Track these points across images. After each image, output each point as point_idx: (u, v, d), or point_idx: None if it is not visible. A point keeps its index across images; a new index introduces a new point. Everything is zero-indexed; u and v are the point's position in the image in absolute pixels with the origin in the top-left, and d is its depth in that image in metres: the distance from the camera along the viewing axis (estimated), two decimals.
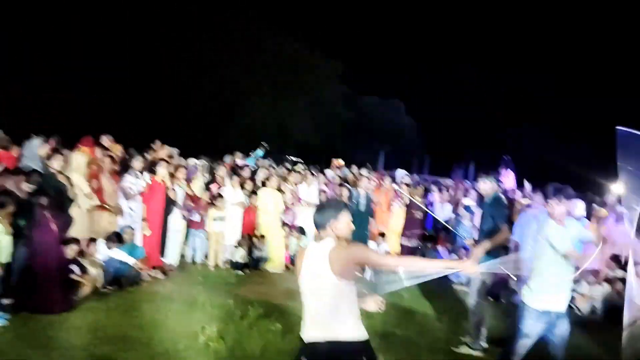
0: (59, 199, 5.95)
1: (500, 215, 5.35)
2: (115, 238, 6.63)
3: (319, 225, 2.95)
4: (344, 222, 2.93)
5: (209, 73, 24.49)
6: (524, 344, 4.24)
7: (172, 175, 7.68)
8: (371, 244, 8.67)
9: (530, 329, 4.19)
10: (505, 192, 9.40)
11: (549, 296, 4.17)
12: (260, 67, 25.19)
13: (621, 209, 7.96)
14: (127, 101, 21.94)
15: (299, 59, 25.51)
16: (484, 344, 5.49)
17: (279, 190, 8.73)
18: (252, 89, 25.00)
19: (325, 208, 3.02)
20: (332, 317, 2.82)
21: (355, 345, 2.82)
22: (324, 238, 2.91)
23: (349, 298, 2.83)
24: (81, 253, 6.21)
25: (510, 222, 8.51)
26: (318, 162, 24.31)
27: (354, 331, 2.81)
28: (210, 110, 24.60)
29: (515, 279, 7.54)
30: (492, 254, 5.32)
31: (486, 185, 5.51)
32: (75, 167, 6.55)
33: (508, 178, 10.37)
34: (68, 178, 6.30)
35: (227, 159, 10.00)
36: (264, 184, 8.84)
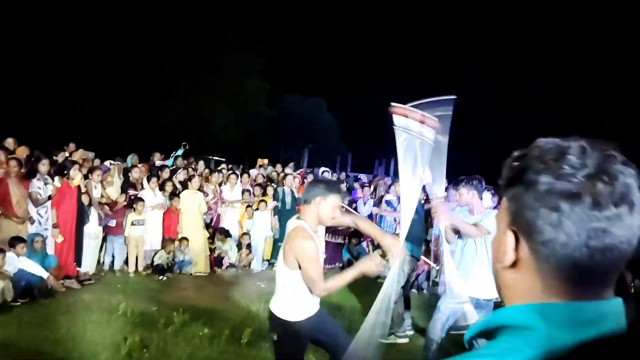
0: None
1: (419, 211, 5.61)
2: (15, 244, 6.11)
3: (304, 200, 2.96)
4: (330, 204, 2.90)
5: (127, 69, 23.50)
6: (439, 319, 4.42)
7: (85, 178, 7.27)
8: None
9: (446, 308, 4.39)
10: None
11: (469, 283, 4.34)
12: (179, 62, 24.50)
13: None
14: (39, 103, 20.60)
15: (220, 54, 25.09)
16: (410, 332, 5.76)
17: (201, 191, 8.54)
18: (172, 86, 24.28)
19: (319, 184, 2.99)
20: (277, 290, 3.06)
21: (277, 321, 3.02)
22: (300, 217, 2.96)
23: (288, 282, 2.95)
24: None
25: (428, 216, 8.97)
26: (242, 161, 24.16)
27: (281, 310, 3.00)
28: (128, 108, 23.60)
29: (435, 266, 7.96)
30: (413, 244, 5.62)
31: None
32: None
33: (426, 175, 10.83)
34: None
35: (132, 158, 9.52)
36: (185, 185, 8.60)
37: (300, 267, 2.87)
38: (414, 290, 7.86)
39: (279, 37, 30.35)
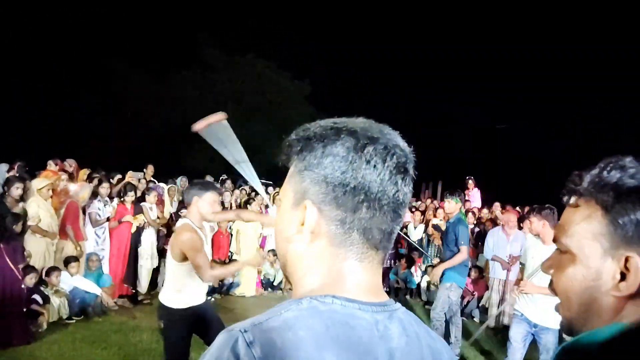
0: (11, 226, 5.65)
1: (461, 235, 5.47)
2: (69, 262, 6.33)
3: (185, 202, 3.39)
4: (207, 202, 3.25)
5: (171, 93, 24.30)
6: (513, 351, 4.41)
7: (140, 200, 7.52)
8: None
9: (516, 334, 4.37)
10: (470, 211, 9.60)
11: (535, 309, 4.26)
12: (225, 87, 25.17)
13: None
14: (93, 128, 21.59)
15: (266, 79, 25.65)
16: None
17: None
18: (218, 108, 24.89)
19: (194, 185, 3.41)
20: (165, 281, 3.46)
21: (164, 309, 3.35)
22: (185, 216, 3.33)
23: (174, 273, 3.30)
24: (45, 283, 5.99)
25: (479, 240, 8.74)
26: None
27: (167, 298, 3.32)
28: (174, 132, 24.35)
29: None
30: (455, 271, 5.48)
31: (450, 205, 5.66)
32: (36, 193, 6.31)
33: (474, 197, 10.61)
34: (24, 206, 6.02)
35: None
36: (238, 208, 8.77)
37: (186, 260, 3.21)
38: (464, 318, 7.64)
39: (323, 62, 30.80)
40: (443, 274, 5.55)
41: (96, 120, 21.76)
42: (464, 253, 5.46)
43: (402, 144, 0.82)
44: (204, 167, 21.51)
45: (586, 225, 0.81)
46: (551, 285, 0.87)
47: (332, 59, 31.47)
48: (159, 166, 10.04)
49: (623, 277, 0.77)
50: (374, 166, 0.75)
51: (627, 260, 0.76)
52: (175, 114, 24.45)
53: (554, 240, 0.88)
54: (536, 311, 4.24)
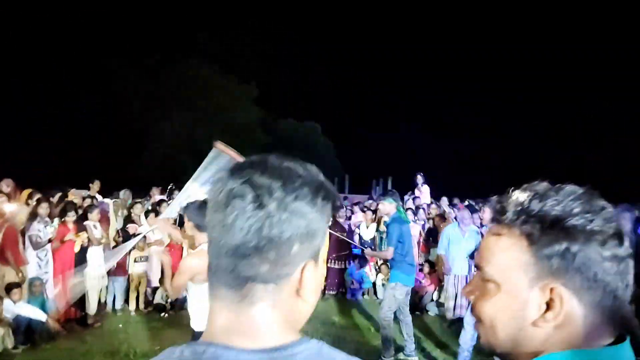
0: None
1: (390, 235, 5.66)
2: (11, 289, 5.98)
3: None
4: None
5: (116, 100, 23.55)
6: (468, 331, 5.20)
7: (82, 218, 7.22)
8: None
9: (469, 320, 5.00)
10: (420, 207, 9.81)
11: None
12: (170, 91, 24.60)
13: None
14: (25, 139, 20.56)
15: (212, 83, 25.25)
16: (414, 357, 5.73)
17: None
18: (163, 115, 24.29)
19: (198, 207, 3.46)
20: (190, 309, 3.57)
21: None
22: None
23: (196, 296, 3.41)
24: None
25: (430, 236, 8.95)
26: None
27: (199, 324, 3.39)
28: (119, 140, 23.60)
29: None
30: (400, 270, 5.60)
31: (384, 206, 5.78)
32: None
33: (424, 193, 10.84)
34: None
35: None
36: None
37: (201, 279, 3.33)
38: (418, 312, 7.81)
39: (272, 64, 30.64)
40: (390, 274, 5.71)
41: (34, 132, 20.71)
42: (388, 252, 5.66)
43: None
44: (150, 177, 20.96)
45: (511, 255, 0.81)
46: (473, 311, 0.87)
47: (280, 60, 31.40)
48: (104, 178, 9.68)
49: (549, 307, 0.79)
50: None
51: (552, 291, 0.78)
52: (119, 123, 23.73)
53: (477, 267, 0.88)
54: None
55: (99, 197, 8.73)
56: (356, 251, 9.17)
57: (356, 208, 10.43)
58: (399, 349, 5.94)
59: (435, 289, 8.40)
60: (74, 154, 21.30)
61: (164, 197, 9.63)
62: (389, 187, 23.00)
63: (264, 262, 0.74)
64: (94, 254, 7.21)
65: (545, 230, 0.78)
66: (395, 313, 5.72)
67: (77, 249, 7.00)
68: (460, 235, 7.30)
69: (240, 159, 3.56)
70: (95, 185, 8.69)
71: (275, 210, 0.74)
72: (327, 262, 9.07)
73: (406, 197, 11.56)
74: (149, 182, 11.51)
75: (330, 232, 9.27)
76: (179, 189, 12.45)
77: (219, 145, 3.76)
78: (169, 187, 11.77)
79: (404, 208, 6.86)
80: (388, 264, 8.43)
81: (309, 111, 31.22)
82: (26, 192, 7.37)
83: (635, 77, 25.29)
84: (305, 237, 0.77)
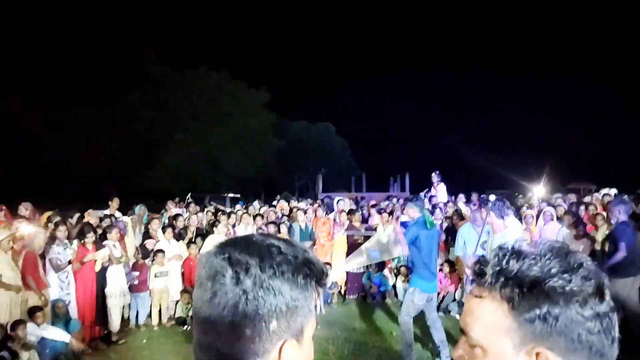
0: None
1: (405, 236, 5.69)
2: (34, 313, 6.09)
3: None
4: None
5: (125, 111, 23.75)
6: None
7: (102, 238, 7.32)
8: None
9: None
10: (436, 206, 9.72)
11: None
12: (180, 101, 24.79)
13: (547, 208, 8.46)
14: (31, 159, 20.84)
15: (222, 91, 25.38)
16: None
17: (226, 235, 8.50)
18: (175, 125, 24.48)
19: None
20: None
21: None
22: None
23: None
24: (10, 338, 5.77)
25: (449, 235, 8.86)
26: (257, 194, 24.16)
27: None
28: (132, 153, 23.80)
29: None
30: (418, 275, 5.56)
31: (410, 211, 5.77)
32: None
33: (440, 192, 10.74)
34: None
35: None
36: (205, 231, 8.65)
37: None
38: (441, 314, 7.73)
39: (280, 66, 30.64)
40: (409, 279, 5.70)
41: (49, 153, 21.01)
42: (402, 250, 6.05)
43: None
44: (166, 188, 21.21)
45: (494, 319, 0.80)
46: None
47: (290, 63, 31.44)
48: (119, 194, 9.79)
49: None
50: None
51: (538, 355, 0.77)
52: (131, 136, 23.97)
53: (462, 332, 0.87)
54: None
55: (118, 214, 8.83)
56: (374, 254, 9.11)
57: (373, 210, 10.37)
58: (433, 354, 5.90)
59: (456, 289, 8.31)
60: (87, 170, 21.58)
61: (180, 210, 9.70)
62: (407, 184, 22.92)
63: (240, 338, 0.76)
64: (115, 273, 7.31)
65: (524, 293, 0.77)
66: (425, 318, 5.70)
67: (97, 268, 7.09)
68: (475, 235, 7.20)
69: None
70: (115, 203, 8.79)
71: (252, 287, 0.76)
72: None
73: (422, 196, 11.48)
74: (165, 194, 11.60)
75: (348, 236, 9.27)
76: (196, 199, 12.60)
77: None
78: (187, 198, 11.89)
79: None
80: (407, 267, 8.40)
81: (321, 112, 31.25)
82: (46, 215, 7.49)
83: None
84: (284, 315, 0.78)
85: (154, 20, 25.49)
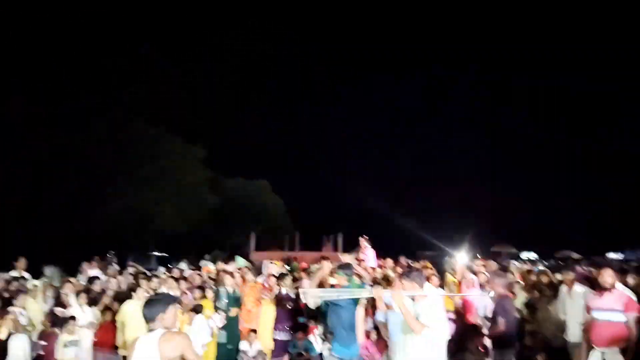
0: None
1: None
2: None
3: (148, 319, 3.34)
4: (171, 315, 3.35)
5: (57, 162, 22.65)
6: None
7: (8, 303, 6.75)
8: (243, 344, 8.43)
9: None
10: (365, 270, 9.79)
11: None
12: (115, 153, 24.03)
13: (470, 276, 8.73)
14: None
15: (158, 145, 24.93)
16: None
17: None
18: (108, 178, 23.58)
19: (154, 302, 3.42)
20: None
21: None
22: (154, 329, 3.30)
23: None
24: None
25: None
26: (188, 252, 23.39)
27: None
28: (59, 204, 22.57)
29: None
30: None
31: (340, 279, 5.87)
32: None
33: (369, 257, 10.86)
34: None
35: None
36: (124, 296, 8.17)
37: None
38: None
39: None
40: None
41: None
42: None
43: None
44: (96, 239, 20.11)
45: None
46: None
47: (226, 121, 31.51)
48: (32, 253, 9.16)
49: None
50: None
51: None
52: (55, 189, 22.82)
53: None
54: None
55: (26, 275, 8.21)
56: (301, 320, 8.96)
57: (303, 274, 10.28)
58: None
59: (382, 356, 8.24)
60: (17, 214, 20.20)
61: (97, 272, 9.19)
62: (340, 243, 23.06)
63: None
64: (19, 342, 6.71)
65: None
66: None
67: (3, 336, 6.50)
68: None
69: None
70: (21, 264, 8.18)
71: None
72: (272, 333, 8.81)
73: (351, 257, 11.57)
74: (92, 246, 10.95)
75: (277, 301, 9.08)
76: (120, 257, 12.00)
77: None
78: (108, 256, 11.31)
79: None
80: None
81: (258, 168, 31.30)
82: None
83: None
84: None
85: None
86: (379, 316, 7.53)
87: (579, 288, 6.50)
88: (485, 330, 7.19)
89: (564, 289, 6.66)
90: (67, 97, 22.84)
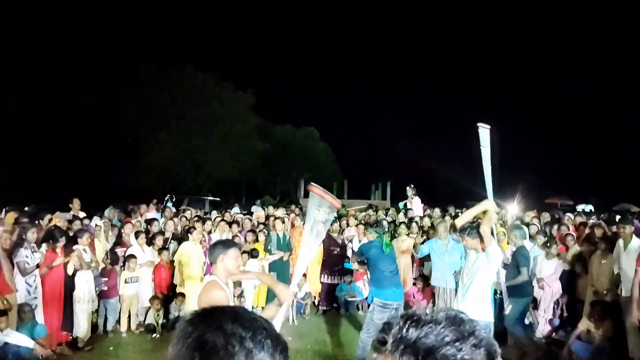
0: None
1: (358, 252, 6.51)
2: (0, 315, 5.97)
3: (211, 260, 3.48)
4: (232, 257, 3.39)
5: (108, 111, 23.33)
6: None
7: (71, 240, 7.18)
8: (293, 285, 8.71)
9: None
10: (412, 219, 9.77)
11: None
12: (165, 101, 24.52)
13: None
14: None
15: (208, 92, 25.20)
16: None
17: (201, 243, 8.35)
18: (159, 125, 24.19)
19: (217, 244, 3.53)
20: None
21: None
22: (212, 273, 3.41)
23: None
24: None
25: None
26: (239, 197, 24.00)
27: None
28: (113, 152, 23.47)
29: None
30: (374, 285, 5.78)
31: (370, 236, 6.42)
32: None
33: (415, 205, 10.80)
34: None
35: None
36: (180, 237, 8.56)
37: None
38: None
39: (268, 70, 30.52)
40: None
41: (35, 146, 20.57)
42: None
43: None
44: (148, 186, 20.99)
45: None
46: None
47: (277, 67, 31.35)
48: (96, 194, 9.64)
49: None
50: None
51: None
52: (115, 134, 23.68)
53: None
54: (465, 307, 4.55)
55: (82, 215, 8.69)
56: (348, 265, 9.13)
57: (351, 221, 10.40)
58: None
59: (428, 304, 8.34)
60: (64, 165, 21.21)
61: (155, 214, 9.60)
62: (388, 191, 23.00)
63: None
64: (84, 278, 7.18)
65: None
66: None
67: (70, 271, 6.96)
68: (443, 248, 7.30)
69: (336, 203, 3.85)
70: (76, 205, 8.62)
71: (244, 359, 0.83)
72: (320, 277, 9.05)
73: (401, 206, 11.57)
74: (146, 193, 11.45)
75: (324, 246, 9.25)
76: (177, 200, 12.43)
77: (313, 188, 3.79)
78: (165, 201, 11.77)
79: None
80: None
81: (306, 116, 31.23)
82: (11, 215, 7.33)
83: None
84: None
85: (153, 20, 25.19)
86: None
87: (636, 242, 6.22)
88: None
89: (620, 242, 6.40)
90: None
